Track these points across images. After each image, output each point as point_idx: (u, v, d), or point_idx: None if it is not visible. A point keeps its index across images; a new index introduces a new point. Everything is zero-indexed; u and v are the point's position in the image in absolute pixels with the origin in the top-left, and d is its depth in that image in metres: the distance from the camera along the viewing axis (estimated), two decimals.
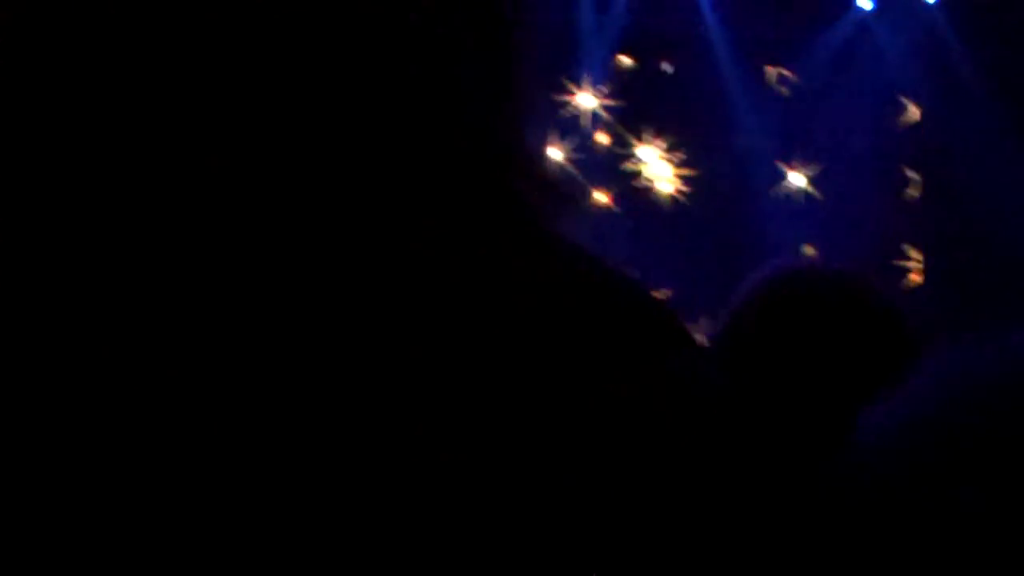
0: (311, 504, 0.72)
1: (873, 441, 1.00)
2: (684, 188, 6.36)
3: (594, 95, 6.34)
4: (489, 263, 0.78)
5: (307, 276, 0.76)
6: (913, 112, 6.37)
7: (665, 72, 6.37)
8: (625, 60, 6.44)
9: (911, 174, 6.37)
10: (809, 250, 6.11)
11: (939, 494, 0.93)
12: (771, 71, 6.37)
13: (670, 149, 6.32)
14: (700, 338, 1.99)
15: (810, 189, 6.37)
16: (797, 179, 6.42)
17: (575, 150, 6.28)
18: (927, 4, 6.38)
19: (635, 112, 6.41)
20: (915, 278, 6.32)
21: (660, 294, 5.84)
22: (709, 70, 6.44)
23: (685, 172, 6.36)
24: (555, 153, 6.24)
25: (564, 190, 0.85)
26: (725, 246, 6.10)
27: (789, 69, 6.43)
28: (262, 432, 0.72)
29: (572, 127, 6.36)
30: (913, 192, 6.35)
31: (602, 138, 6.38)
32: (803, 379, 1.83)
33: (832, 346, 1.85)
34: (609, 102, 6.38)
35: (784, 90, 6.40)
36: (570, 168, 5.88)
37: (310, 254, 0.76)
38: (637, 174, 6.39)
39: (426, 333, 0.76)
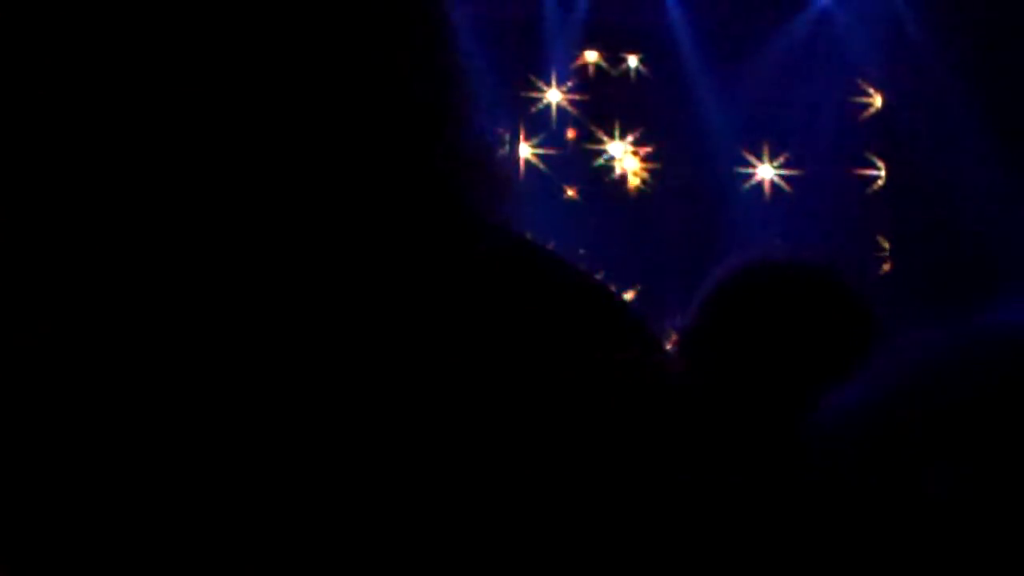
0: (311, 504, 0.72)
1: (835, 425, 1.01)
2: (652, 182, 6.37)
3: (559, 90, 6.34)
4: (430, 259, 0.78)
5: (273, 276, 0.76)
6: (877, 101, 6.40)
7: (630, 68, 6.37)
8: (590, 55, 6.44)
9: (877, 163, 6.40)
10: (777, 242, 6.13)
11: (904, 473, 0.94)
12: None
13: (637, 144, 6.33)
14: (670, 333, 2.00)
15: (778, 181, 6.38)
16: (765, 171, 6.44)
17: (541, 145, 6.28)
18: None
19: (602, 107, 6.40)
20: (883, 266, 6.34)
21: (631, 291, 5.84)
22: (675, 63, 6.44)
23: (652, 166, 6.37)
24: (523, 149, 6.24)
25: (494, 171, 0.85)
26: (694, 240, 6.11)
27: (755, 60, 6.44)
28: (262, 432, 0.72)
29: (539, 123, 6.35)
30: (879, 181, 6.37)
31: (569, 134, 6.38)
32: (767, 367, 1.84)
33: (796, 334, 1.86)
34: (575, 97, 6.38)
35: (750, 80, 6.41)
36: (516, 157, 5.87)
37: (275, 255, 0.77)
38: (605, 169, 6.39)
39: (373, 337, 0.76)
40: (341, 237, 0.79)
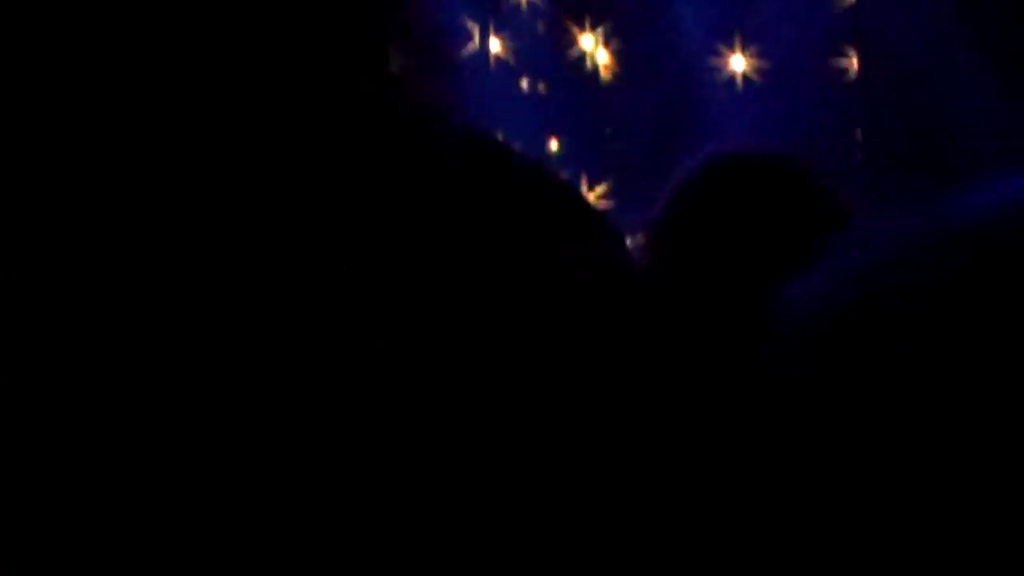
0: (311, 504, 0.72)
1: (793, 315, 1.00)
2: (622, 74, 6.34)
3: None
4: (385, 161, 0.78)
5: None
6: None
7: None
8: None
9: (849, 54, 6.38)
10: (746, 135, 6.12)
11: (858, 364, 0.94)
12: None
13: (608, 36, 6.29)
14: (637, 232, 2.00)
15: (749, 72, 6.36)
16: (737, 62, 6.41)
17: (511, 38, 6.24)
18: None
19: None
20: (855, 155, 6.35)
21: (601, 186, 5.85)
22: None
23: (618, 55, 6.34)
24: (492, 43, 6.19)
25: (451, 58, 0.85)
26: (665, 134, 6.10)
27: None
28: (262, 433, 0.72)
29: (509, 17, 6.31)
30: (851, 72, 6.35)
31: (538, 25, 6.33)
32: (729, 256, 1.84)
33: (757, 222, 1.87)
34: None
35: None
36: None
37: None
38: (575, 62, 6.36)
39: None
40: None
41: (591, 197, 6.05)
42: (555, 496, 0.77)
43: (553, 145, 5.94)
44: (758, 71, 6.37)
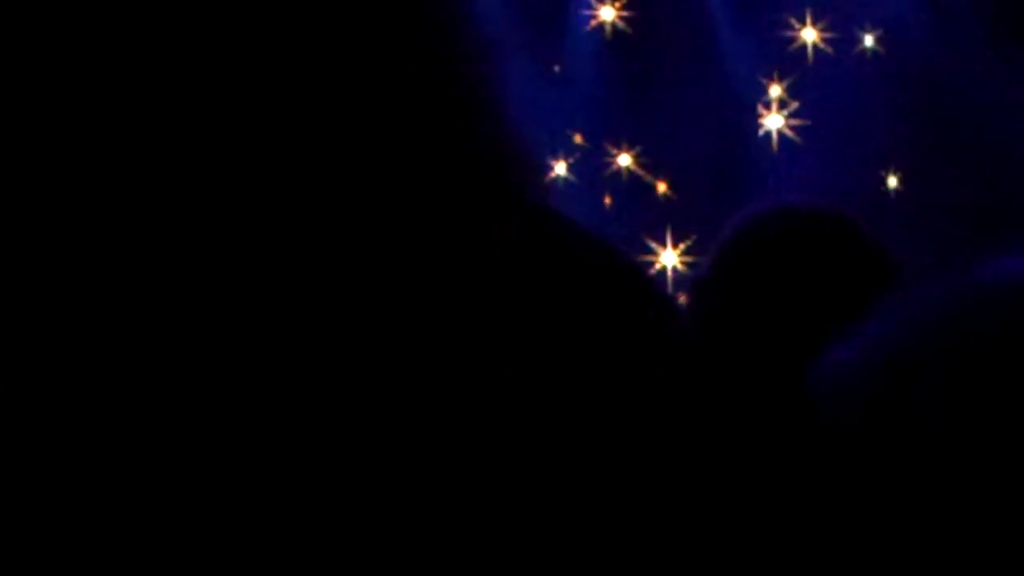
0: (311, 504, 0.72)
1: (839, 376, 1.00)
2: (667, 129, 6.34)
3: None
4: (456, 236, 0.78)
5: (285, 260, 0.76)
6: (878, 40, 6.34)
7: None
8: (606, 13, 6.39)
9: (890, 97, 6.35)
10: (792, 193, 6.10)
11: (906, 425, 0.94)
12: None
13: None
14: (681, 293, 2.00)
15: (787, 131, 6.34)
16: (774, 121, 6.39)
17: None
18: None
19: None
20: (895, 187, 6.30)
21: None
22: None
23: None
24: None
25: (526, 162, 0.85)
26: (712, 192, 6.08)
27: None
28: (262, 433, 0.72)
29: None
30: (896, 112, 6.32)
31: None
32: (776, 315, 1.84)
33: (806, 281, 1.86)
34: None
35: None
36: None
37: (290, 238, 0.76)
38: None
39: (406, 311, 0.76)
40: (361, 229, 0.79)
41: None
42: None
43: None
44: (801, 129, 6.35)
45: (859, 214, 2.05)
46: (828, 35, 6.38)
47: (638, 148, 6.33)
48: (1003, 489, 0.91)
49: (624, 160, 6.31)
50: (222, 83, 0.79)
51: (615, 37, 6.37)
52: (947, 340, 0.96)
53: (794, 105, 6.34)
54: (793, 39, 6.37)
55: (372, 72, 0.81)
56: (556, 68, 6.25)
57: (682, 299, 2.05)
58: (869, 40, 6.37)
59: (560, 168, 6.22)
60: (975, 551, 0.91)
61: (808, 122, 6.32)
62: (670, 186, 6.32)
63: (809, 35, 6.35)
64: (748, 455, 0.83)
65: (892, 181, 6.32)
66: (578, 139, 6.27)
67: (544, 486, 0.76)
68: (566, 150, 6.23)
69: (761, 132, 6.39)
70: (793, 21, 6.36)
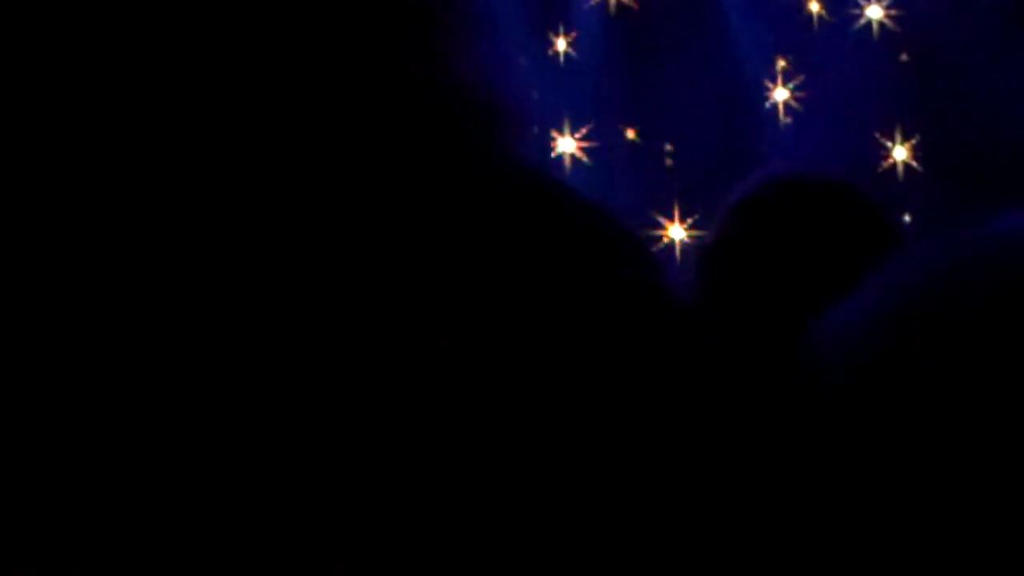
0: (311, 505, 0.72)
1: (837, 338, 1.01)
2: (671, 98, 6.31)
3: (565, 40, 6.26)
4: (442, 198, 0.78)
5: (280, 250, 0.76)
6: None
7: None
8: None
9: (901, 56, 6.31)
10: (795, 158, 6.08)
11: (903, 390, 0.94)
12: None
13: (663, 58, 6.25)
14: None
15: (792, 103, 6.32)
16: (780, 93, 6.37)
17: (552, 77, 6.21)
18: None
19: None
20: (905, 161, 6.29)
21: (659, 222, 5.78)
22: None
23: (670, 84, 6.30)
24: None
25: (502, 112, 0.85)
26: (718, 158, 6.06)
27: None
28: (262, 433, 0.72)
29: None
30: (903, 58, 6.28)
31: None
32: (784, 276, 1.84)
33: (809, 245, 1.87)
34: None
35: None
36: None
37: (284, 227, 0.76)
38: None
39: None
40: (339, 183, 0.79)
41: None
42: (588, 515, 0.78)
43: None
44: (805, 98, 6.33)
45: (864, 182, 2.06)
46: (834, 7, 6.36)
47: (642, 124, 6.31)
48: (999, 444, 0.91)
49: (630, 135, 6.29)
50: (210, 70, 0.79)
51: (618, 11, 6.35)
52: (941, 295, 0.96)
53: (800, 78, 6.32)
54: (799, 10, 6.34)
55: (361, 57, 0.82)
56: (551, 52, 6.23)
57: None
58: (876, 12, 6.34)
59: (566, 144, 6.21)
60: (972, 509, 0.91)
61: (811, 93, 6.30)
62: (676, 160, 6.31)
63: (814, 7, 6.33)
64: (740, 423, 0.84)
65: (899, 152, 6.31)
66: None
67: (542, 451, 0.77)
68: (572, 126, 6.22)
69: (768, 104, 6.37)
70: None
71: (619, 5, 6.35)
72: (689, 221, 5.95)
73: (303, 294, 0.77)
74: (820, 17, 6.34)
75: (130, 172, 0.78)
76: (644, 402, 0.79)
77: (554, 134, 6.10)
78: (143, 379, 0.75)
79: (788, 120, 6.29)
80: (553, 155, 6.00)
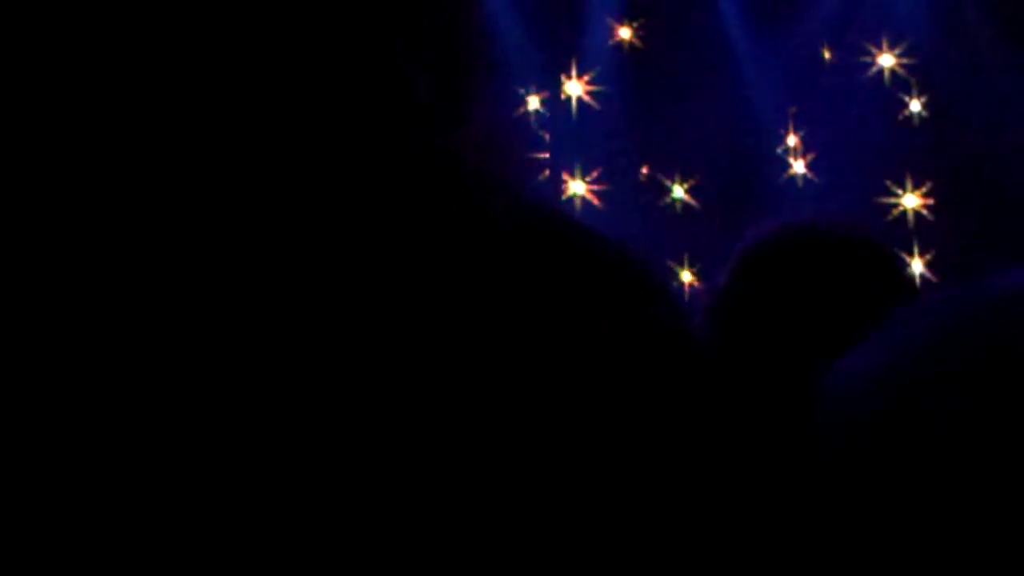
0: (311, 505, 0.72)
1: (847, 388, 1.00)
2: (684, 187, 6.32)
3: (580, 83, 6.28)
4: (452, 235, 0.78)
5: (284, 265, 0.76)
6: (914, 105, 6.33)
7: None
8: (624, 33, 6.39)
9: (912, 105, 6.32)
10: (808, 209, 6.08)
11: (914, 440, 0.94)
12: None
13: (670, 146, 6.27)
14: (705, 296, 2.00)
15: (808, 173, 6.33)
16: (797, 166, 6.39)
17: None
18: None
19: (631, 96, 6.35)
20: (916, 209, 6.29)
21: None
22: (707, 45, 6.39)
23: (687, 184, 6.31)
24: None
25: (510, 151, 0.85)
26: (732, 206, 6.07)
27: (795, 28, 6.39)
28: (262, 433, 0.72)
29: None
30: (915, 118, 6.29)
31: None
32: (794, 324, 1.84)
33: (823, 291, 1.86)
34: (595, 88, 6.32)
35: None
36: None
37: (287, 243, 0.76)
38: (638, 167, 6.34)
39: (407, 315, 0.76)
40: (353, 223, 0.79)
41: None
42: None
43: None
44: (819, 148, 6.34)
45: (876, 229, 2.06)
46: (845, 53, 6.38)
47: (654, 166, 6.33)
48: (1011, 500, 0.91)
49: (642, 176, 6.31)
50: (209, 70, 0.79)
51: (632, 54, 6.37)
52: (954, 350, 0.96)
53: (812, 153, 6.33)
54: (810, 57, 6.36)
55: (368, 75, 0.82)
56: (563, 95, 6.24)
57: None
58: (888, 60, 6.36)
59: (577, 187, 6.23)
60: (979, 558, 0.91)
61: (823, 139, 6.31)
62: (685, 204, 6.32)
63: (826, 54, 6.35)
64: (749, 458, 0.83)
65: (910, 200, 6.31)
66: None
67: (547, 482, 0.76)
68: (584, 169, 6.23)
69: (780, 150, 6.38)
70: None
71: (632, 48, 6.38)
72: (698, 266, 5.96)
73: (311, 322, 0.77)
74: (831, 63, 6.36)
75: (130, 173, 0.78)
76: (674, 443, 0.79)
77: (565, 176, 6.11)
78: (140, 379, 0.75)
79: (802, 169, 6.31)
80: (564, 197, 6.02)
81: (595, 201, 6.16)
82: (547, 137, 6.02)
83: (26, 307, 0.75)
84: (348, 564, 0.73)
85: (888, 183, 6.24)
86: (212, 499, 0.73)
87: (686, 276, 5.96)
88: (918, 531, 0.92)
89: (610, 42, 6.36)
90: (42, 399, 0.73)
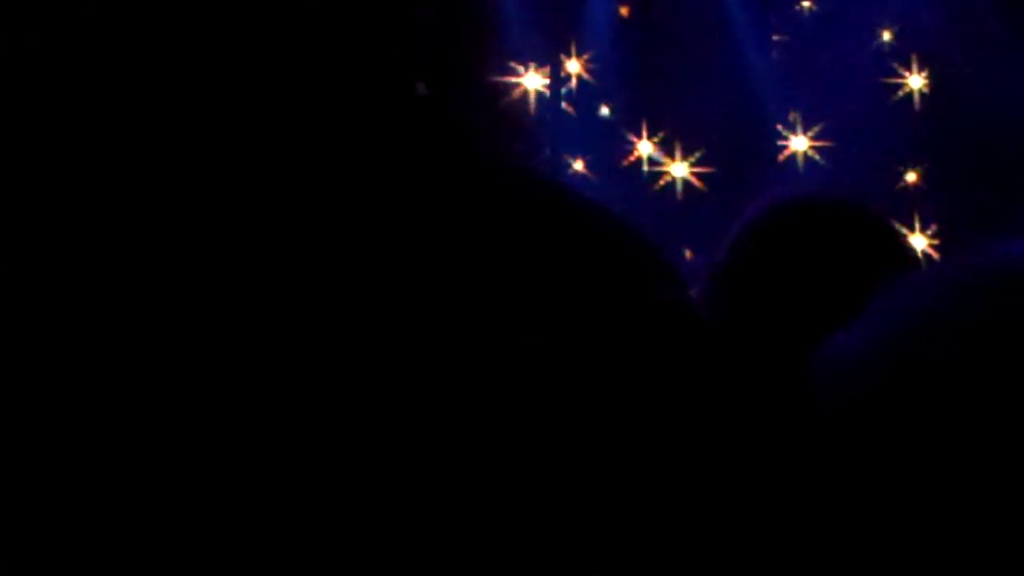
0: (311, 504, 0.72)
1: (842, 362, 1.00)
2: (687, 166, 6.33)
3: (579, 62, 6.28)
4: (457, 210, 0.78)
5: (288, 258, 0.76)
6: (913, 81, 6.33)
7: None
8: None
9: (912, 80, 6.32)
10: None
11: (908, 415, 0.94)
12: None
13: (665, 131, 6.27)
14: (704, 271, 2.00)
15: (811, 152, 6.32)
16: (799, 143, 6.39)
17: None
18: None
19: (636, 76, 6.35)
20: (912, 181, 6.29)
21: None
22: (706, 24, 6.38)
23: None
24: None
25: (513, 115, 0.85)
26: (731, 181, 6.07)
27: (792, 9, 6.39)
28: (261, 432, 0.72)
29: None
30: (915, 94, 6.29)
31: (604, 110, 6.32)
32: (793, 298, 1.83)
33: (823, 265, 1.86)
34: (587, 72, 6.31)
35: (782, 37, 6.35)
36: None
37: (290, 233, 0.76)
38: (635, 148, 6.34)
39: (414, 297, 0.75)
40: (346, 186, 0.79)
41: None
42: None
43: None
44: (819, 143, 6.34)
45: (877, 204, 2.05)
46: (846, 31, 6.38)
47: (656, 142, 6.33)
48: (1001, 475, 0.91)
49: (644, 148, 6.31)
50: (207, 66, 0.79)
51: (631, 33, 6.36)
52: (946, 324, 0.96)
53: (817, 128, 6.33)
54: (811, 35, 6.36)
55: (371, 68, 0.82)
56: (563, 91, 6.23)
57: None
58: (885, 36, 6.36)
59: (577, 164, 6.23)
60: (972, 538, 0.91)
61: (829, 143, 6.31)
62: (686, 183, 6.33)
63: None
64: (748, 434, 0.83)
65: (910, 176, 6.31)
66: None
67: (548, 457, 0.76)
68: (583, 147, 6.23)
69: (785, 155, 6.38)
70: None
71: (631, 22, 6.37)
72: (697, 242, 5.96)
73: (327, 313, 0.77)
74: (831, 42, 6.35)
75: (125, 171, 0.78)
76: (686, 422, 0.79)
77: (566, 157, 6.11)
78: (139, 378, 0.75)
79: (803, 146, 6.31)
80: (565, 175, 6.02)
81: (593, 177, 6.16)
82: (547, 116, 6.02)
83: (26, 307, 0.75)
84: (348, 563, 0.73)
85: (889, 158, 6.24)
86: (211, 498, 0.73)
87: (686, 253, 5.96)
88: (912, 509, 0.92)
89: (610, 21, 6.36)
90: (42, 399, 0.74)
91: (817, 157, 6.33)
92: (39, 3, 0.77)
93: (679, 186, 6.35)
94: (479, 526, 0.72)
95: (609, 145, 6.32)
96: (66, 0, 0.77)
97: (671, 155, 6.33)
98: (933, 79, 6.34)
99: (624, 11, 6.40)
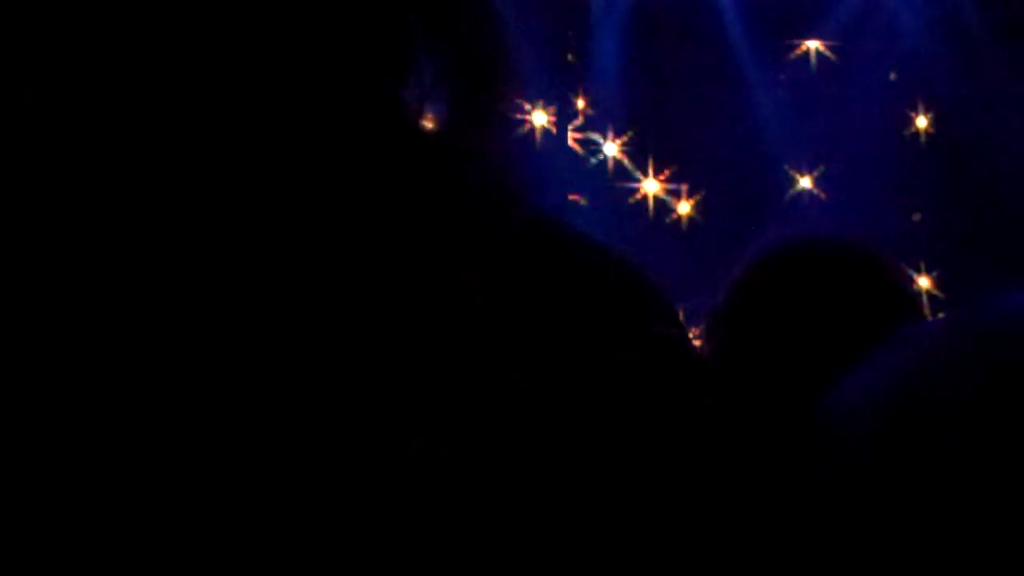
0: (310, 504, 0.72)
1: (848, 408, 1.00)
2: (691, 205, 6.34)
3: (584, 99, 6.30)
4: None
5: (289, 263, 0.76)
6: (920, 121, 6.35)
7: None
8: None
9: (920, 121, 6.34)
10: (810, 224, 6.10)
11: (914, 460, 0.93)
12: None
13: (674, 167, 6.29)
14: (702, 313, 1.99)
15: (814, 189, 6.34)
16: (803, 182, 6.41)
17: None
18: None
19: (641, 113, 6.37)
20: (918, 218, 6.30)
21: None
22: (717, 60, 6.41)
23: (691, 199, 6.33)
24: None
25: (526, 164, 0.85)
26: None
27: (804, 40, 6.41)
28: (261, 432, 0.72)
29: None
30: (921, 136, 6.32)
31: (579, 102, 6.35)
32: (794, 343, 1.82)
33: (823, 309, 1.84)
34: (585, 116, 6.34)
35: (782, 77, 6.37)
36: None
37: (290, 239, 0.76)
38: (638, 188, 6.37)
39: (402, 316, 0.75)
40: (354, 231, 0.79)
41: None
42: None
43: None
44: (823, 185, 6.35)
45: (881, 244, 2.04)
46: (850, 68, 6.40)
47: (662, 180, 6.35)
48: (1006, 524, 0.91)
49: (650, 187, 6.33)
50: (205, 74, 0.78)
51: (639, 70, 6.39)
52: (956, 373, 0.96)
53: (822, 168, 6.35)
54: (816, 73, 6.38)
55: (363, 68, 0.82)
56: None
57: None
58: (892, 75, 6.38)
59: (581, 201, 6.24)
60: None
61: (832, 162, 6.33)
62: (691, 219, 6.34)
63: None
64: (749, 473, 0.83)
65: (916, 216, 6.32)
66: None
67: (544, 498, 0.76)
68: (588, 184, 6.25)
69: (790, 195, 6.40)
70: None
71: (638, 61, 6.39)
72: (699, 281, 5.96)
73: (311, 351, 0.76)
74: (836, 79, 6.38)
75: (125, 172, 0.78)
76: (684, 457, 0.79)
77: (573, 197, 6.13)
78: (138, 379, 0.74)
79: (808, 185, 6.32)
80: (569, 210, 6.03)
81: (596, 214, 6.18)
82: (553, 152, 6.04)
83: (26, 306, 0.75)
84: (347, 561, 0.73)
85: (894, 198, 6.25)
86: (210, 497, 0.73)
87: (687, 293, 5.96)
88: (915, 554, 0.92)
89: (617, 60, 6.38)
90: (42, 398, 0.74)
91: (822, 196, 6.34)
92: (39, 3, 0.77)
93: (683, 224, 6.36)
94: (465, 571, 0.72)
95: (614, 183, 6.33)
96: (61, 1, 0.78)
97: (676, 194, 6.34)
98: (939, 119, 6.36)
99: (632, 50, 6.42)
